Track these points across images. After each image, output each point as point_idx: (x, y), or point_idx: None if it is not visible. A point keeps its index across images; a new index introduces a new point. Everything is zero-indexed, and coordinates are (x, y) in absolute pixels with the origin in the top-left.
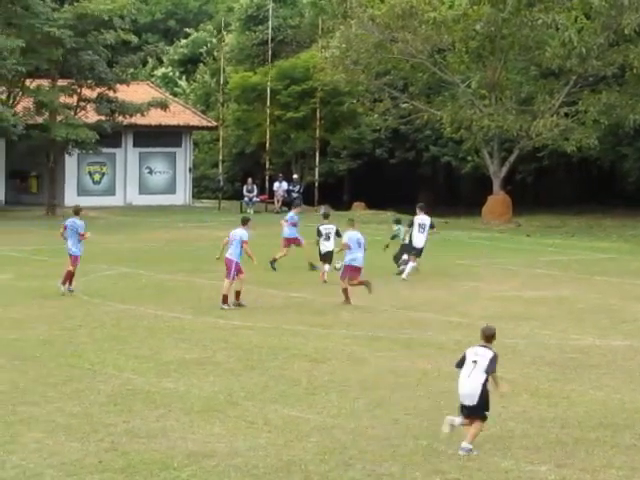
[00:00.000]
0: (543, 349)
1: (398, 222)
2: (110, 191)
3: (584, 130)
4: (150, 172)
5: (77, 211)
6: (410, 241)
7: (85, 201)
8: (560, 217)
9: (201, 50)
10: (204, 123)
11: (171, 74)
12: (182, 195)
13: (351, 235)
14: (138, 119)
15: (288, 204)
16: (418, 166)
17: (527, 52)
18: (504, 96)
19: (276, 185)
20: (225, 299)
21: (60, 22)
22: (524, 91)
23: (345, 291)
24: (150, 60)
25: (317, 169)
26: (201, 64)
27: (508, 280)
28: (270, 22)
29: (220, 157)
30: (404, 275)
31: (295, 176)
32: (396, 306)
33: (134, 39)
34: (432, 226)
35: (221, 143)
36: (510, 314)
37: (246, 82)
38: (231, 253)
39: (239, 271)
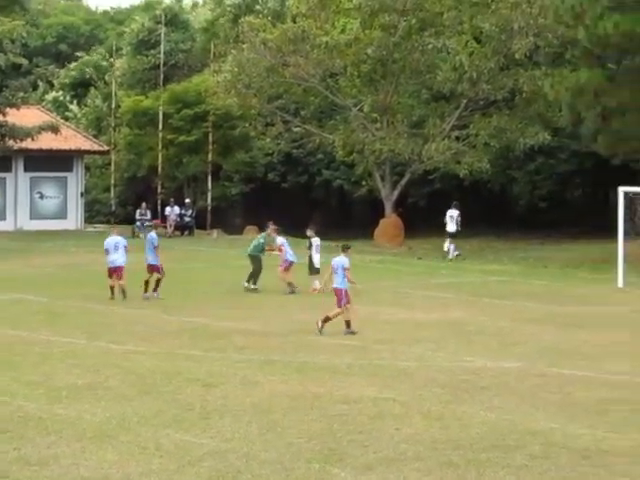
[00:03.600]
0: (435, 371)
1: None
2: (0, 216)
3: (475, 153)
4: (41, 197)
5: (155, 227)
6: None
7: None
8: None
9: (92, 74)
10: (96, 147)
11: (62, 98)
12: (74, 220)
13: (109, 240)
14: (29, 143)
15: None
16: (311, 190)
17: (418, 76)
18: (396, 120)
19: (168, 210)
20: (348, 324)
21: None
22: (415, 114)
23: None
24: (41, 84)
25: (209, 193)
26: (92, 88)
27: (400, 303)
28: (162, 46)
29: (112, 181)
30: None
31: (187, 200)
32: (290, 330)
33: (24, 62)
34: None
35: (113, 167)
36: (402, 337)
37: (138, 106)
38: (338, 282)
39: (347, 300)
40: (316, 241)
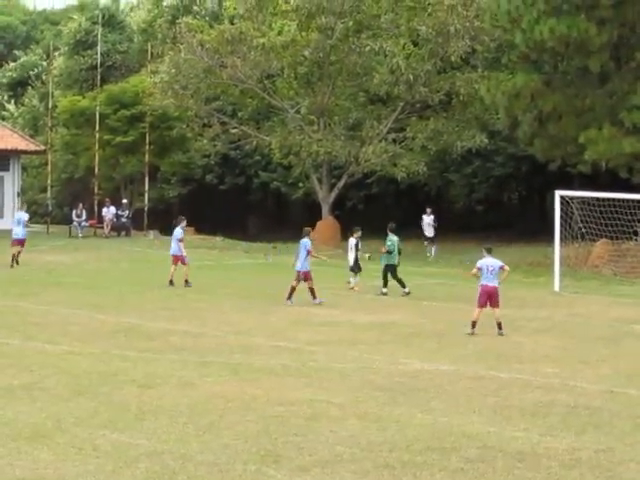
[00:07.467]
0: (372, 373)
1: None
2: None
3: (412, 156)
4: None
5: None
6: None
7: None
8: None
9: (30, 73)
10: (32, 147)
11: None
12: (10, 220)
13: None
14: None
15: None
16: (248, 192)
17: (355, 78)
18: (333, 122)
19: (104, 210)
20: (474, 324)
21: None
22: (352, 117)
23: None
24: None
25: (147, 194)
26: (30, 88)
27: (337, 305)
28: (99, 47)
29: (49, 182)
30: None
31: (124, 201)
32: (226, 331)
33: None
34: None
35: (50, 167)
36: (339, 339)
37: (75, 106)
38: (492, 280)
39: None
40: (351, 241)
